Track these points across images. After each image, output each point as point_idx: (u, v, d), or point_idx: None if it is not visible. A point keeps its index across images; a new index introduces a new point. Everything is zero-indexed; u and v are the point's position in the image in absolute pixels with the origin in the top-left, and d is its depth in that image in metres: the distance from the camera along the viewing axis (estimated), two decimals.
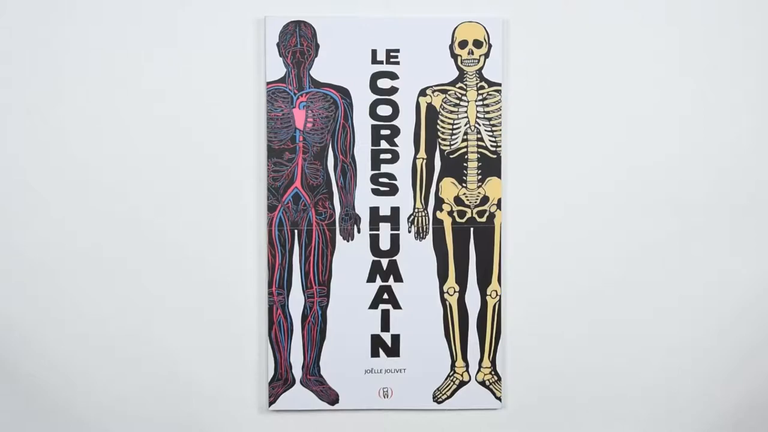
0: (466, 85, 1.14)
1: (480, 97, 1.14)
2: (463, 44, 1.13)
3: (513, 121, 1.14)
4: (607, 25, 1.14)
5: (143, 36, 1.12)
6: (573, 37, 1.14)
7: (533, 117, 1.15)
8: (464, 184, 1.14)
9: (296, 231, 1.14)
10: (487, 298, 1.15)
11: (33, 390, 1.14)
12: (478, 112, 1.14)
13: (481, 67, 1.14)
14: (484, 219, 1.15)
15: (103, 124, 1.13)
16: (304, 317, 1.14)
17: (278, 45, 1.12)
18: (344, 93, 1.13)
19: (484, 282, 1.15)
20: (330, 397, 1.15)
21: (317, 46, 1.13)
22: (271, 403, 1.15)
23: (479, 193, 1.14)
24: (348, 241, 1.14)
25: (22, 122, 1.12)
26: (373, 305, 1.15)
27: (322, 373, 1.15)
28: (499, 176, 1.14)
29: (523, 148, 1.15)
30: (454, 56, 1.13)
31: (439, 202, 1.14)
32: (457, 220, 1.15)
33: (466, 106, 1.14)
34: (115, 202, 1.13)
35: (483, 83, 1.14)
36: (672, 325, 1.16)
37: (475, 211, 1.15)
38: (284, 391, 1.15)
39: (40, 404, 1.14)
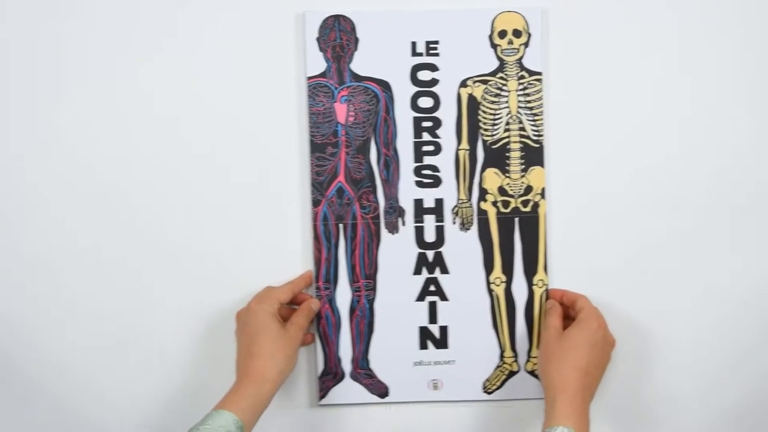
0: (506, 75, 1.14)
1: (521, 87, 1.14)
2: (502, 34, 1.13)
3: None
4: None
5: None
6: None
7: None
8: (507, 174, 1.14)
9: (341, 225, 1.14)
10: (534, 287, 1.15)
11: (41, 392, 1.14)
12: (519, 101, 1.14)
13: (521, 57, 1.14)
14: (528, 208, 1.14)
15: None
16: (352, 311, 1.14)
17: (318, 40, 1.13)
18: (385, 86, 1.13)
19: (530, 271, 1.15)
20: (380, 390, 1.15)
21: (357, 40, 1.13)
22: (321, 398, 1.15)
23: (523, 182, 1.14)
24: (393, 233, 1.14)
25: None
26: (420, 297, 1.15)
27: (371, 366, 1.15)
28: (542, 165, 1.14)
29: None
30: (494, 46, 1.13)
31: (483, 193, 1.14)
32: (501, 210, 1.15)
33: (507, 96, 1.14)
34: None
35: (523, 73, 1.14)
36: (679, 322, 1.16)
37: (519, 200, 1.14)
38: (334, 385, 1.15)
39: (48, 406, 1.15)
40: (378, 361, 1.15)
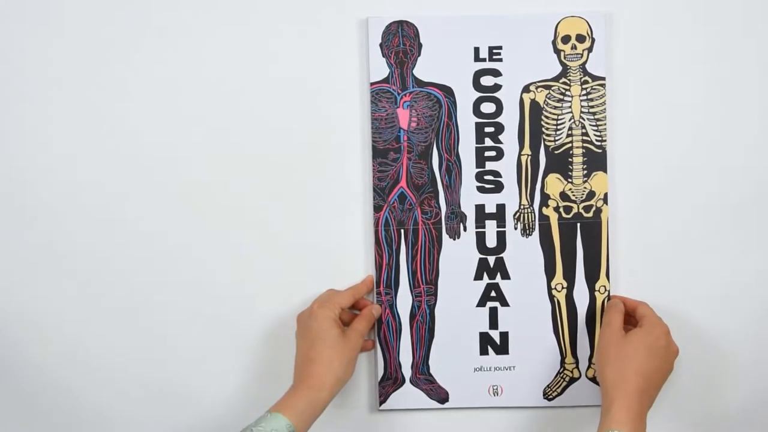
0: (569, 80, 1.13)
1: (584, 92, 1.13)
2: (566, 39, 1.13)
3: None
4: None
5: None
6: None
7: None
8: (570, 180, 1.14)
9: (402, 230, 1.14)
10: (596, 293, 1.14)
11: (42, 392, 1.15)
12: (582, 107, 1.13)
13: (585, 62, 1.13)
14: (590, 214, 1.14)
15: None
16: (412, 316, 1.15)
17: (381, 45, 1.13)
18: (447, 91, 1.13)
19: (592, 277, 1.14)
20: (440, 395, 1.15)
21: (420, 46, 1.13)
22: (381, 403, 1.15)
23: (585, 188, 1.14)
24: (454, 239, 1.14)
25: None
26: (481, 303, 1.14)
27: (431, 371, 1.15)
28: (605, 171, 1.13)
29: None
30: (557, 51, 1.13)
31: (545, 198, 1.14)
32: (563, 215, 1.14)
33: (570, 102, 1.13)
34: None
35: (587, 78, 1.13)
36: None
37: (581, 206, 1.14)
38: (394, 390, 1.15)
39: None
40: (438, 367, 1.15)
